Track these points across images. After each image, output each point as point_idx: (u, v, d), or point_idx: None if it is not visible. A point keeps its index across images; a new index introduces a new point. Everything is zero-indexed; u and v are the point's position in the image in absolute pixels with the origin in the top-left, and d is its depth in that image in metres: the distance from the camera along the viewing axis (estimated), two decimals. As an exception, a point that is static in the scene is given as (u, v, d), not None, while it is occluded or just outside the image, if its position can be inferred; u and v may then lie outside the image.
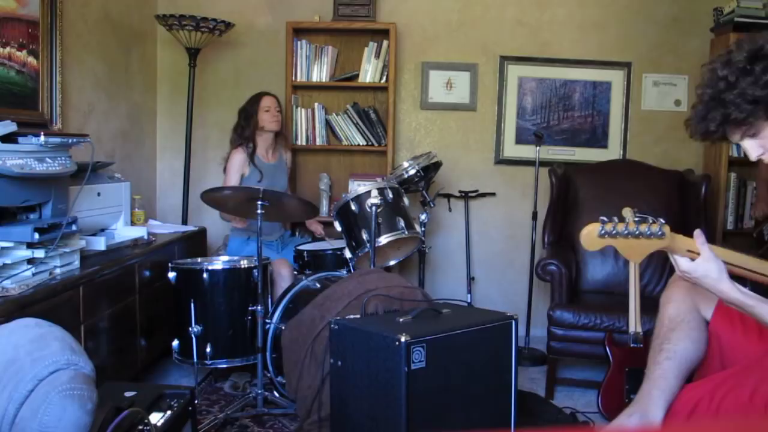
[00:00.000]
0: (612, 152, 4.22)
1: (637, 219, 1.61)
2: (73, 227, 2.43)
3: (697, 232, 1.64)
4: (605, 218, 1.60)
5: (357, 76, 4.06)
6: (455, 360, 2.15)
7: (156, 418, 1.89)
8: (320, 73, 4.07)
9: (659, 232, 1.61)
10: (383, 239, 3.08)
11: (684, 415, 1.78)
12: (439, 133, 4.28)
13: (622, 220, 1.62)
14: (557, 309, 3.18)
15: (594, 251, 3.55)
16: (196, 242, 3.70)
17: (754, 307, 1.62)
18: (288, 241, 3.76)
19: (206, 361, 2.91)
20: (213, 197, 2.95)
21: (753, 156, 1.66)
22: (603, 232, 1.61)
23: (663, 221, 1.63)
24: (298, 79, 4.05)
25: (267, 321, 2.90)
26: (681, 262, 1.66)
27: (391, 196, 3.16)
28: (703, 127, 1.66)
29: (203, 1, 4.12)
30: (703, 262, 1.63)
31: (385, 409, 2.08)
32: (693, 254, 1.65)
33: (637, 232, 1.61)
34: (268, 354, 2.86)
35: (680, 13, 4.17)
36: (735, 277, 1.66)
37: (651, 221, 1.61)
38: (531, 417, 2.67)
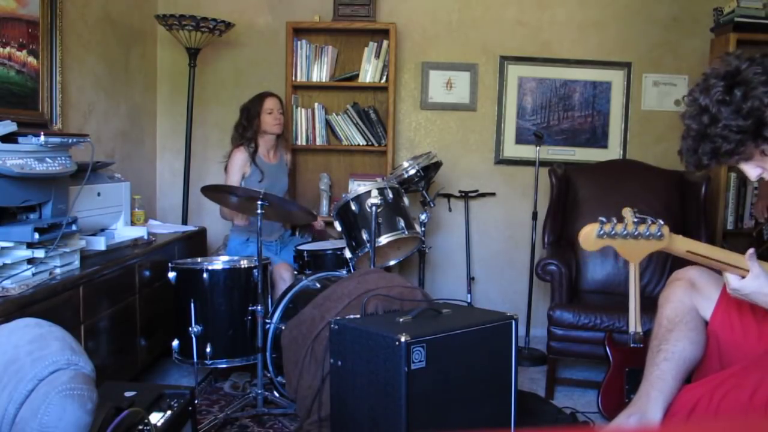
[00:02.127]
0: (612, 152, 4.22)
1: (635, 220, 1.61)
2: (73, 227, 2.42)
3: (751, 251, 1.66)
4: (604, 219, 1.60)
5: (357, 76, 4.06)
6: (455, 360, 2.15)
7: (156, 418, 1.89)
8: (320, 73, 4.07)
9: (658, 233, 1.61)
10: (383, 239, 3.08)
11: (683, 416, 1.78)
12: (439, 133, 4.28)
13: (621, 220, 1.62)
14: (557, 309, 3.18)
15: (594, 251, 3.59)
16: (196, 242, 3.70)
17: None
18: (288, 241, 3.76)
19: (206, 361, 2.91)
20: (213, 194, 2.94)
21: (753, 177, 1.67)
22: (602, 232, 1.61)
23: (662, 222, 1.63)
24: (298, 79, 4.05)
25: (267, 321, 2.89)
26: (731, 280, 1.68)
27: (391, 196, 3.16)
28: (695, 160, 1.67)
29: (203, 1, 4.12)
30: (753, 279, 1.65)
31: (385, 409, 2.08)
32: (741, 271, 1.67)
33: (635, 233, 1.61)
34: (268, 354, 2.86)
35: (680, 13, 4.17)
36: None
37: (650, 222, 1.62)
38: (531, 417, 2.67)
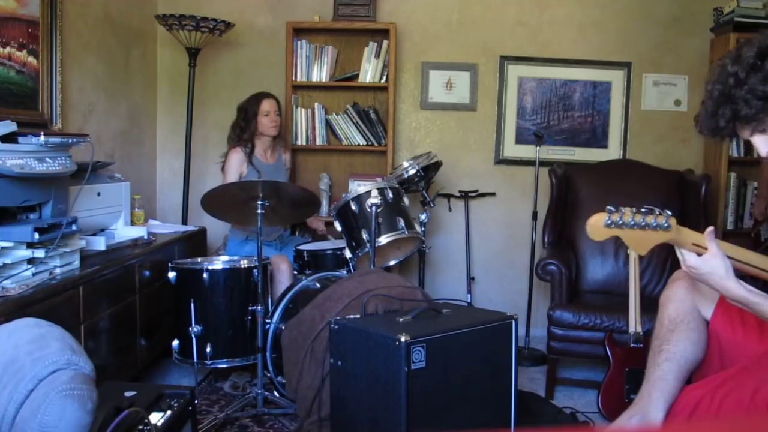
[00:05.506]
0: (612, 152, 4.22)
1: (643, 210, 1.60)
2: (73, 227, 2.42)
3: (710, 229, 1.62)
4: (612, 207, 1.59)
5: (357, 76, 4.06)
6: (455, 360, 2.15)
7: (156, 418, 1.88)
8: (320, 73, 4.07)
9: (665, 224, 1.60)
10: (383, 239, 3.08)
11: (684, 416, 1.78)
12: (439, 133, 4.28)
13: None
14: (557, 309, 3.18)
15: (594, 251, 3.60)
16: (196, 242, 3.70)
17: (760, 304, 1.60)
18: (287, 241, 3.76)
19: (206, 361, 2.91)
20: (213, 203, 2.92)
21: (763, 152, 1.63)
22: (609, 221, 1.59)
23: (669, 213, 1.62)
24: (298, 79, 4.05)
25: (267, 321, 2.89)
26: (688, 257, 1.64)
27: (391, 196, 3.15)
28: (712, 123, 1.63)
29: (203, 1, 4.12)
30: (710, 258, 1.61)
31: (385, 409, 2.08)
32: (700, 249, 1.63)
33: (643, 223, 1.60)
34: (268, 354, 2.86)
35: (680, 13, 4.16)
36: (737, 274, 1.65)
37: (657, 213, 1.60)
38: (531, 417, 2.67)
